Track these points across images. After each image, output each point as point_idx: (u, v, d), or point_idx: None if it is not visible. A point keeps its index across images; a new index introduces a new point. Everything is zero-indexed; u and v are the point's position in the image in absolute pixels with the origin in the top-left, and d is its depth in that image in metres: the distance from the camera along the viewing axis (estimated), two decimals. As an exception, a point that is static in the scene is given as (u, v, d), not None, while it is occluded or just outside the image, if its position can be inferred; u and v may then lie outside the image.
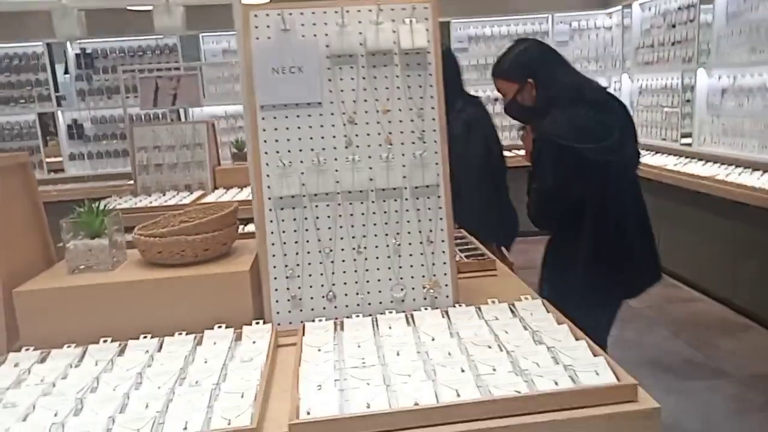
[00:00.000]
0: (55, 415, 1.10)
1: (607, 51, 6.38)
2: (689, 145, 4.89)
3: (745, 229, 3.76)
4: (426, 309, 1.50)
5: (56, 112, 5.88)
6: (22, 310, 1.43)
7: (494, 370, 1.18)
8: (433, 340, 1.34)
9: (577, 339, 1.31)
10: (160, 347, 1.37)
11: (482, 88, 6.29)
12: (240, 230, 1.72)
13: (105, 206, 1.66)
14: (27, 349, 1.39)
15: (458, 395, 1.09)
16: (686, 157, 4.77)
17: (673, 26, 5.08)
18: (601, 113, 1.97)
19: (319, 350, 1.32)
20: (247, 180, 1.64)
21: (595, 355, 1.23)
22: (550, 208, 2.02)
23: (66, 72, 6.00)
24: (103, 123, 5.95)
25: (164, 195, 3.80)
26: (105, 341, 1.40)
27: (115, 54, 5.85)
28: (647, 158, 5.00)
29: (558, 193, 1.96)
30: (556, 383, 1.12)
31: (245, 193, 3.61)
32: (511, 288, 1.76)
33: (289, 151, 1.52)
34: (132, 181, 4.05)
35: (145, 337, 1.40)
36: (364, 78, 1.54)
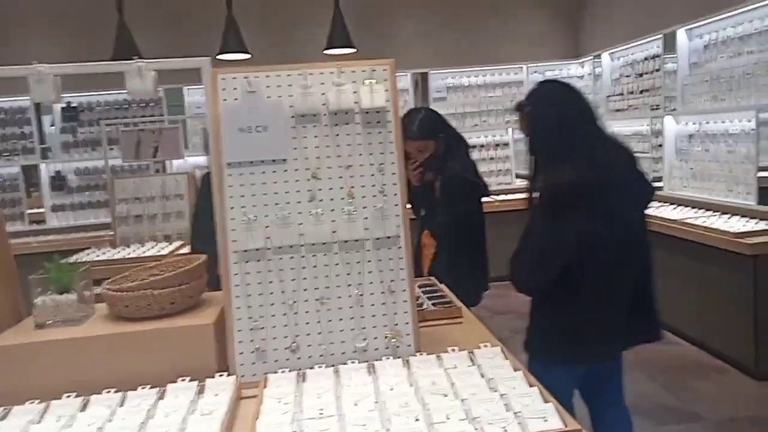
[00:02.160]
0: (12, 472, 1.11)
1: (581, 99, 6.59)
2: (660, 188, 5.03)
3: (716, 273, 3.84)
4: (388, 358, 1.54)
5: (40, 164, 5.93)
6: (-14, 366, 1.44)
7: (447, 418, 1.21)
8: (391, 389, 1.37)
9: (530, 386, 1.35)
10: (123, 402, 1.39)
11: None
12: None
13: (76, 261, 1.69)
14: (-11, 406, 1.40)
15: (409, 444, 1.12)
16: (658, 201, 4.90)
17: (641, 75, 5.30)
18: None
19: (279, 401, 1.35)
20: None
21: (545, 401, 1.26)
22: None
23: (52, 124, 6.09)
24: (86, 174, 6.01)
25: (143, 246, 3.83)
26: (68, 396, 1.41)
27: (101, 107, 5.98)
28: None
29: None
30: (504, 430, 1.16)
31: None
32: (474, 335, 1.80)
33: (254, 206, 1.58)
34: (112, 233, 4.08)
35: (109, 391, 1.42)
36: (327, 135, 1.61)
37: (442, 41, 6.51)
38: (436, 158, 2.63)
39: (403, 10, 6.46)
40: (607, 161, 1.90)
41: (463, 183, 2.61)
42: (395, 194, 1.62)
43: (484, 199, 2.74)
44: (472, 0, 6.49)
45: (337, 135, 1.62)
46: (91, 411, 1.35)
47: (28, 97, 5.80)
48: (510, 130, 6.67)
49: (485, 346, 1.57)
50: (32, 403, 1.39)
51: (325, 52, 5.14)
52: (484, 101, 6.51)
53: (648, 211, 2.09)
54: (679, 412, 3.29)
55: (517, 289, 1.99)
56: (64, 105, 5.85)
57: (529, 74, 6.58)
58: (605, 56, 5.93)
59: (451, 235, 2.62)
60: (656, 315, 2.09)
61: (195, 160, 5.89)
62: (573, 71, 6.65)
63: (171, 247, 3.76)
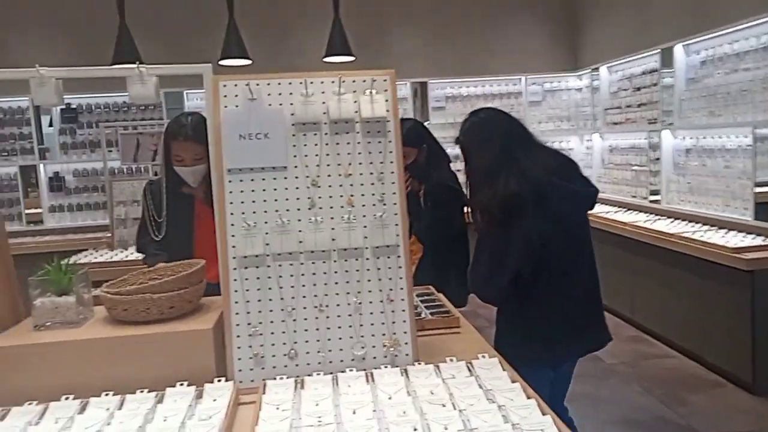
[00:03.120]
0: (9, 475, 1.11)
1: (579, 111, 6.64)
2: (658, 202, 5.06)
3: (713, 286, 3.86)
4: (386, 367, 1.54)
5: (38, 164, 5.93)
6: (-16, 367, 1.44)
7: (446, 428, 1.22)
8: (390, 398, 1.38)
9: (528, 398, 1.35)
10: (121, 405, 1.39)
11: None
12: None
13: (74, 262, 1.69)
14: (-13, 408, 1.40)
15: (406, 453, 1.12)
16: (655, 215, 4.93)
17: (638, 89, 5.34)
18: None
19: (278, 408, 1.35)
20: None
21: (543, 414, 1.27)
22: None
23: (51, 125, 6.10)
24: (84, 176, 6.01)
25: (140, 249, 3.82)
26: (67, 398, 1.41)
27: (100, 109, 5.98)
28: (619, 215, 5.16)
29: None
30: (502, 441, 1.16)
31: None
32: (472, 345, 1.81)
33: (254, 213, 1.59)
34: (110, 234, 4.07)
35: (107, 394, 1.42)
36: (327, 144, 1.63)
37: (441, 51, 6.55)
38: (419, 167, 2.87)
39: (403, 19, 6.50)
40: (547, 169, 2.00)
41: (448, 191, 2.85)
42: (395, 203, 1.63)
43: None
44: (472, 11, 6.54)
45: (338, 144, 1.64)
46: (89, 413, 1.35)
47: (27, 98, 5.84)
48: (508, 140, 6.69)
49: (483, 356, 1.58)
50: (31, 404, 1.40)
51: (325, 60, 5.16)
52: (483, 111, 6.53)
53: (591, 212, 2.19)
54: (675, 426, 3.30)
55: (480, 298, 2.10)
56: (63, 106, 5.85)
57: (527, 85, 6.63)
58: (603, 69, 5.97)
59: (435, 239, 2.82)
60: (604, 318, 2.21)
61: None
62: (571, 83, 6.69)
63: (168, 251, 3.75)
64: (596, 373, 4.02)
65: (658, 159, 5.11)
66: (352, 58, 5.11)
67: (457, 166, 2.70)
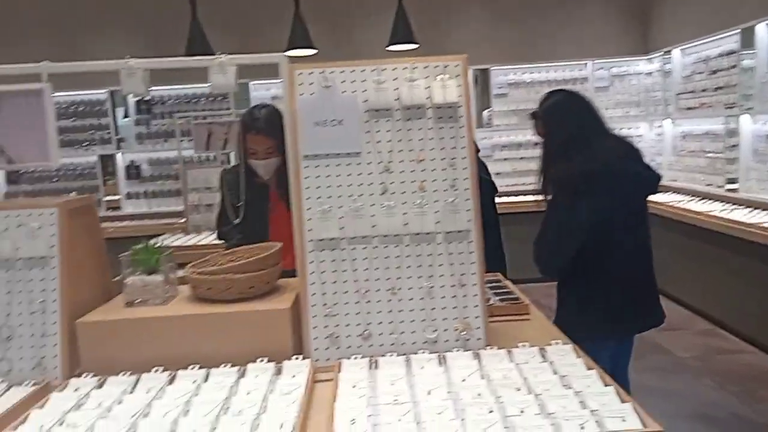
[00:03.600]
0: (111, 437, 1.20)
1: (649, 96, 6.38)
2: (735, 191, 4.81)
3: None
4: (457, 350, 1.56)
5: (116, 153, 6.26)
6: (83, 339, 1.56)
7: (522, 412, 1.23)
8: (463, 381, 1.40)
9: (606, 385, 1.34)
10: (207, 378, 1.47)
11: (522, 132, 6.42)
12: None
13: (161, 244, 1.79)
14: (86, 376, 1.51)
15: (484, 434, 1.14)
16: (732, 204, 4.69)
17: (714, 72, 5.08)
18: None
19: (354, 386, 1.40)
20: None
21: (622, 402, 1.25)
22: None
23: (125, 116, 6.42)
24: (158, 164, 6.30)
25: (213, 234, 3.98)
26: (156, 370, 1.51)
27: (172, 101, 6.24)
28: (692, 204, 4.94)
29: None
30: (582, 427, 1.16)
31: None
32: (542, 333, 1.80)
33: (329, 197, 1.63)
34: (184, 220, 4.26)
35: (193, 367, 1.51)
36: (399, 130, 1.65)
37: (504, 36, 6.43)
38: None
39: (465, 5, 6.42)
40: (614, 153, 2.17)
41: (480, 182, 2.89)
42: (466, 189, 1.64)
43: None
44: (536, -6, 6.39)
45: (409, 129, 1.66)
46: (178, 385, 1.44)
47: (104, 90, 6.17)
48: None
49: (556, 343, 1.57)
50: (124, 374, 1.50)
51: (388, 48, 5.17)
52: (547, 98, 6.39)
53: (652, 197, 2.35)
54: (750, 423, 3.16)
55: (540, 271, 2.19)
56: (138, 98, 6.14)
57: (594, 71, 6.42)
58: (676, 52, 5.71)
59: None
60: (659, 296, 2.32)
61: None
62: (641, 67, 6.44)
63: (238, 236, 3.90)
64: (666, 366, 3.90)
65: (735, 146, 4.85)
66: (415, 46, 5.10)
67: (492, 154, 2.78)
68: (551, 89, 2.43)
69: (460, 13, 6.44)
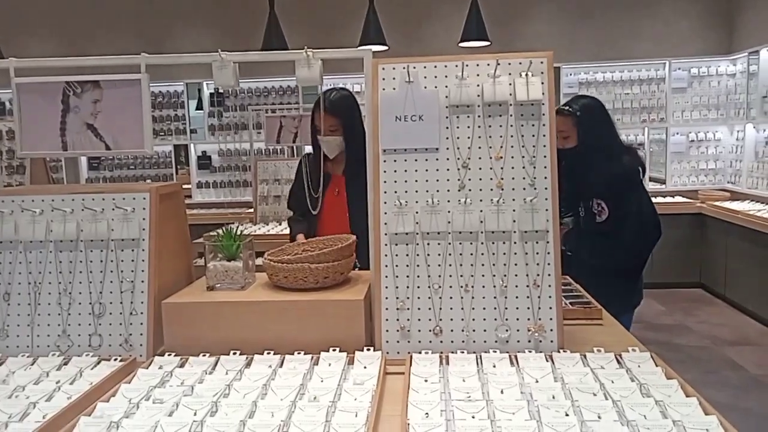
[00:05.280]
0: (195, 414, 1.26)
1: (730, 99, 6.06)
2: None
3: None
4: (530, 351, 1.54)
5: (189, 144, 6.52)
6: (167, 319, 1.64)
7: (599, 417, 1.20)
8: (536, 382, 1.38)
9: (687, 395, 1.29)
10: (282, 363, 1.51)
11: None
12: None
13: (241, 232, 1.86)
14: (169, 354, 1.58)
15: (562, 437, 1.12)
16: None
17: (808, 75, 4.77)
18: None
19: (426, 381, 1.40)
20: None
21: (706, 414, 1.21)
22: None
23: (198, 108, 6.67)
24: (228, 155, 6.51)
25: (280, 224, 4.08)
26: (234, 353, 1.56)
27: (243, 94, 6.44)
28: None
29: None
30: (663, 437, 1.12)
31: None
32: (616, 338, 1.75)
33: (406, 192, 1.64)
34: (252, 210, 4.39)
35: (269, 353, 1.55)
36: (479, 126, 1.64)
37: (576, 34, 6.26)
38: None
39: (538, 1, 6.29)
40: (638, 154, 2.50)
41: None
42: (546, 188, 1.61)
43: None
44: (614, -9, 6.18)
45: (490, 126, 1.64)
46: (255, 368, 1.49)
47: (181, 82, 6.43)
48: (646, 129, 6.29)
49: (633, 350, 1.53)
50: (204, 356, 1.56)
51: (460, 44, 5.14)
52: (620, 98, 6.19)
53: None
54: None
55: (635, 264, 2.44)
56: (212, 91, 6.36)
57: (671, 71, 6.16)
58: (764, 52, 5.40)
59: None
60: None
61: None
62: (722, 68, 6.13)
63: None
64: (739, 383, 3.72)
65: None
66: (487, 43, 5.04)
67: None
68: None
69: (533, 9, 6.32)
